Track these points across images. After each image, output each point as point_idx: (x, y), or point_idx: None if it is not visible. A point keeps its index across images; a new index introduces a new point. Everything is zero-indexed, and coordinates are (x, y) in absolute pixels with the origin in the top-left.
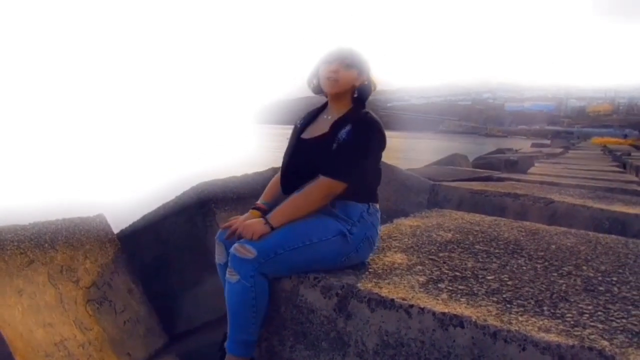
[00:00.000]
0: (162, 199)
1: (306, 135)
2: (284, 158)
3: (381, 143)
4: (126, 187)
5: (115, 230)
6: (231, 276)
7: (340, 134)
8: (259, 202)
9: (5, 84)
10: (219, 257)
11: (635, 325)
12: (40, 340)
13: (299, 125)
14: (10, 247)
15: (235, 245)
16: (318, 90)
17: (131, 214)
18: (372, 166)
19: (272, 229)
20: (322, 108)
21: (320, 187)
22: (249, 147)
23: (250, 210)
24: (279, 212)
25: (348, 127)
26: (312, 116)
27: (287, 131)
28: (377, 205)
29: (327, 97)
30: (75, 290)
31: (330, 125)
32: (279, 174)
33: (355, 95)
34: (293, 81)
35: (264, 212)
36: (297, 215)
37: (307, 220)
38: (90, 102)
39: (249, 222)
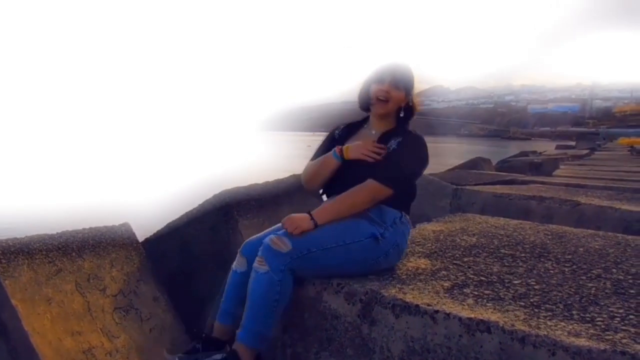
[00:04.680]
0: (185, 207)
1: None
2: None
3: (427, 160)
4: (151, 194)
5: (140, 239)
6: (261, 266)
7: (390, 144)
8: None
9: (25, 92)
10: (237, 265)
11: None
12: (69, 348)
13: (337, 136)
14: (39, 256)
15: (272, 236)
16: (366, 107)
17: (156, 221)
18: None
19: (316, 226)
20: (363, 122)
21: (368, 190)
22: (262, 154)
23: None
24: (324, 210)
25: (398, 139)
26: (352, 129)
27: (295, 137)
28: (409, 217)
29: (370, 113)
30: (102, 298)
31: (379, 138)
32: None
33: (401, 115)
34: (301, 89)
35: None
36: (342, 215)
37: (341, 221)
38: (104, 109)
39: (295, 215)
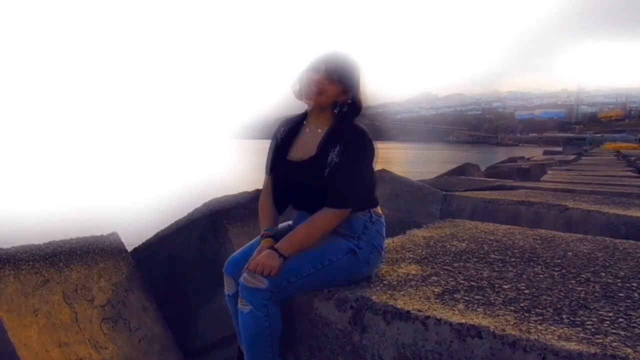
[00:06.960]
0: (172, 215)
1: (293, 155)
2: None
3: (372, 153)
4: (138, 203)
5: (129, 248)
6: (243, 306)
7: (330, 157)
8: (264, 230)
9: (16, 101)
10: (227, 288)
11: None
12: (57, 359)
13: (280, 141)
14: (26, 267)
15: (245, 275)
16: (300, 95)
17: (144, 230)
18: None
19: (285, 258)
20: (302, 117)
21: (329, 219)
22: (249, 160)
23: (264, 240)
24: (289, 241)
25: (337, 149)
26: (293, 129)
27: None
28: (379, 209)
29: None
30: (90, 309)
31: (317, 146)
32: (263, 197)
33: (336, 111)
34: (275, 97)
35: (274, 238)
36: (308, 245)
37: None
38: (86, 116)
39: (262, 258)
